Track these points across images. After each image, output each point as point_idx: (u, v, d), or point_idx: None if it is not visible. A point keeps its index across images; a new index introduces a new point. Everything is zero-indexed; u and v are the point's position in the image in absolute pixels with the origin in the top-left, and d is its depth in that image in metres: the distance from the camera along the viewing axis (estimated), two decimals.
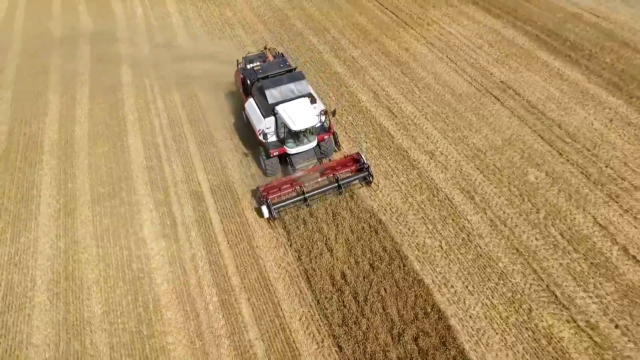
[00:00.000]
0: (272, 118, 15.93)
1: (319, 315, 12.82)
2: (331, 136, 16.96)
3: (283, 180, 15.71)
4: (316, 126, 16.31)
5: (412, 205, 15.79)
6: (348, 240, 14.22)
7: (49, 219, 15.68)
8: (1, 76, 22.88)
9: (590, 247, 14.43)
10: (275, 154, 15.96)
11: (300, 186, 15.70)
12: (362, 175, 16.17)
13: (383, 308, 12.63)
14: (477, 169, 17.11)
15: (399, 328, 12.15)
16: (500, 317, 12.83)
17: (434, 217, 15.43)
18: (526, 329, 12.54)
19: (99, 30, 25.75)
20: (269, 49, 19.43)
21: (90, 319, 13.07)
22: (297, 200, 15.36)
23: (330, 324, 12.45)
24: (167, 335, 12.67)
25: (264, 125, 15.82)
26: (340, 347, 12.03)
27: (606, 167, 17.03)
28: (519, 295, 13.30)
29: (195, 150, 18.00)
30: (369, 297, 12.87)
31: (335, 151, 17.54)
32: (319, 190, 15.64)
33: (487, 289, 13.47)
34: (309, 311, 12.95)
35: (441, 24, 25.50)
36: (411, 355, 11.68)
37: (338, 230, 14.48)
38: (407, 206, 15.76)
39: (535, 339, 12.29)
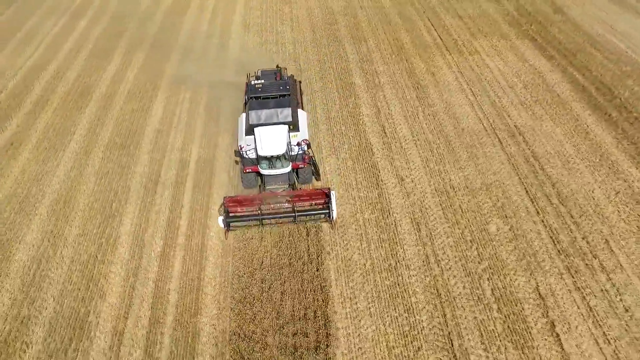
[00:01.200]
0: (252, 137, 16.56)
1: (229, 288, 14.48)
2: (308, 166, 16.85)
3: (249, 197, 16.08)
4: (298, 153, 16.56)
5: (357, 220, 16.44)
6: (281, 233, 15.54)
7: (72, 153, 19.50)
8: (89, 34, 27.99)
9: (516, 312, 13.80)
10: (249, 170, 16.50)
11: (260, 207, 15.82)
12: (321, 212, 15.80)
13: (280, 300, 13.85)
14: (440, 205, 16.99)
15: (283, 320, 13.30)
16: (387, 345, 13.17)
17: (372, 237, 15.92)
18: None
19: (174, 9, 29.79)
20: (281, 68, 20.37)
21: (67, 236, 16.35)
22: (252, 220, 15.67)
23: (233, 298, 14.07)
24: (112, 265, 15.38)
25: (244, 143, 16.65)
26: (230, 319, 13.61)
27: (582, 239, 15.72)
28: (416, 332, 13.43)
29: (201, 126, 20.55)
30: (272, 286, 14.17)
31: (317, 180, 17.59)
32: (275, 216, 15.80)
33: (388, 316, 13.80)
34: (224, 281, 14.66)
35: (483, 55, 24.66)
36: (283, 346, 12.79)
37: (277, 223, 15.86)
38: (353, 220, 16.44)
39: None
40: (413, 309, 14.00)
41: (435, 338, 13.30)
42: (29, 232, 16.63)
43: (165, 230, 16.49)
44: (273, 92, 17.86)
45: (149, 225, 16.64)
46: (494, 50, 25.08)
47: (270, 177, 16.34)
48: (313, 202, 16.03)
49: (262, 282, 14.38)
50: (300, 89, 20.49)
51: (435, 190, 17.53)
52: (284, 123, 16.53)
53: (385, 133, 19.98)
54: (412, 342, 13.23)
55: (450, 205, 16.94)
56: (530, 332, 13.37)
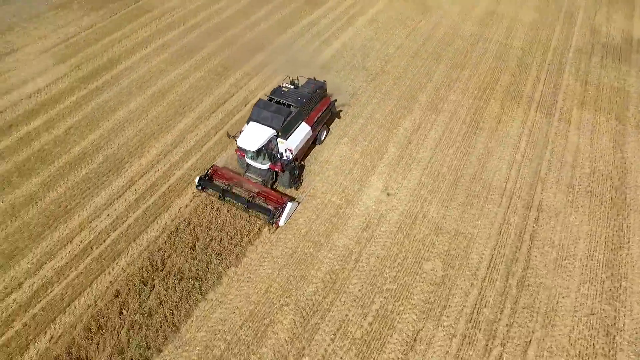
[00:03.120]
0: None
1: (204, 194, 18.82)
2: (285, 173, 18.27)
3: (231, 174, 18.58)
4: (279, 157, 18.13)
5: (324, 198, 18.56)
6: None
7: (190, 65, 26.22)
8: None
9: (383, 334, 14.58)
10: (239, 153, 18.77)
11: (231, 183, 18.08)
12: (270, 214, 17.18)
13: (224, 217, 17.54)
14: (399, 224, 17.70)
15: (213, 229, 17.07)
16: (267, 289, 15.63)
17: (325, 215, 17.91)
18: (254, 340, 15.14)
19: None
20: (321, 83, 20.97)
21: (148, 114, 22.83)
22: (217, 191, 18.04)
23: (201, 199, 18.36)
24: (158, 143, 21.16)
25: (244, 129, 18.55)
26: (188, 211, 18.03)
27: (507, 325, 14.83)
28: (294, 294, 15.49)
29: (276, 81, 24.76)
30: (225, 206, 17.92)
31: (296, 189, 18.91)
32: (234, 199, 17.77)
33: (285, 272, 16.10)
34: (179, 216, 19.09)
35: (572, 127, 22.05)
36: (201, 244, 16.61)
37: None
38: (321, 196, 18.65)
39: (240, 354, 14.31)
40: (306, 278, 16.01)
41: (303, 306, 15.21)
42: (134, 102, 23.89)
43: (200, 138, 21.63)
44: (285, 100, 19.04)
45: (194, 130, 22.06)
46: (591, 127, 22.12)
47: (251, 166, 18.72)
48: (266, 203, 17.60)
49: (220, 199, 18.26)
50: (330, 108, 20.89)
51: (407, 212, 18.19)
52: (272, 127, 17.75)
53: (406, 148, 20.87)
54: (285, 298, 15.46)
55: (408, 230, 17.54)
56: (379, 355, 14.06)
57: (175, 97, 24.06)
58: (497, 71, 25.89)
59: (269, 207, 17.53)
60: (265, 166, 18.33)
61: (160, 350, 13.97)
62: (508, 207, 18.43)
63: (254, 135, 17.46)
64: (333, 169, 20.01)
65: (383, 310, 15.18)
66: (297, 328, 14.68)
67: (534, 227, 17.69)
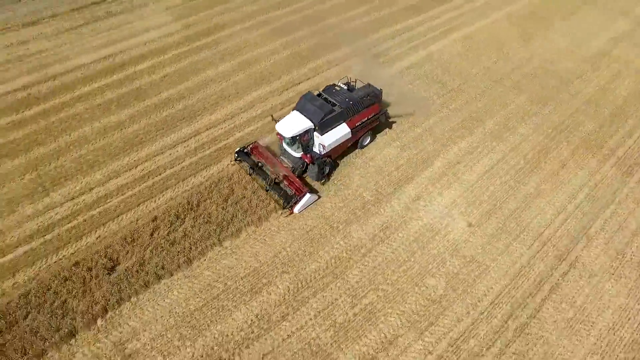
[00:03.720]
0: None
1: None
2: (314, 166, 18.99)
3: (267, 153, 19.64)
4: (312, 149, 19.14)
5: (356, 192, 19.36)
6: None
7: (271, 29, 28.62)
8: None
9: (363, 327, 15.15)
10: (279, 136, 19.52)
11: (264, 162, 19.33)
12: (284, 198, 18.20)
13: (253, 184, 19.24)
14: (418, 234, 17.85)
15: (249, 190, 18.93)
16: (274, 254, 17.06)
17: (351, 206, 18.76)
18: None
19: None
20: (377, 89, 21.00)
21: (233, 77, 25.76)
22: (247, 164, 19.34)
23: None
24: (229, 107, 23.83)
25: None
26: (229, 170, 20.14)
27: (495, 357, 14.29)
28: (297, 266, 16.70)
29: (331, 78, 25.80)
30: (254, 177, 19.54)
31: (322, 184, 19.54)
32: (260, 175, 18.97)
33: (294, 245, 17.36)
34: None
35: None
36: (234, 202, 18.56)
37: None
38: (355, 188, 19.48)
39: (233, 299, 16.41)
40: (313, 256, 17.12)
41: (301, 279, 16.36)
42: (222, 66, 26.64)
43: (266, 109, 23.54)
44: (332, 98, 19.67)
45: (264, 101, 24.07)
46: None
47: (286, 152, 19.79)
48: (288, 188, 18.59)
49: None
50: (377, 116, 20.98)
51: (430, 225, 18.21)
52: (311, 120, 18.49)
53: (453, 167, 20.57)
54: (288, 267, 16.73)
55: (425, 242, 17.64)
56: (352, 344, 14.67)
57: (257, 69, 26.47)
58: (583, 115, 23.88)
59: (289, 192, 18.54)
60: (298, 155, 19.37)
61: (171, 274, 16.26)
62: (537, 252, 17.43)
63: (293, 124, 18.46)
64: (374, 168, 20.62)
65: (371, 306, 15.68)
66: (288, 295, 15.89)
67: (558, 280, 16.57)
